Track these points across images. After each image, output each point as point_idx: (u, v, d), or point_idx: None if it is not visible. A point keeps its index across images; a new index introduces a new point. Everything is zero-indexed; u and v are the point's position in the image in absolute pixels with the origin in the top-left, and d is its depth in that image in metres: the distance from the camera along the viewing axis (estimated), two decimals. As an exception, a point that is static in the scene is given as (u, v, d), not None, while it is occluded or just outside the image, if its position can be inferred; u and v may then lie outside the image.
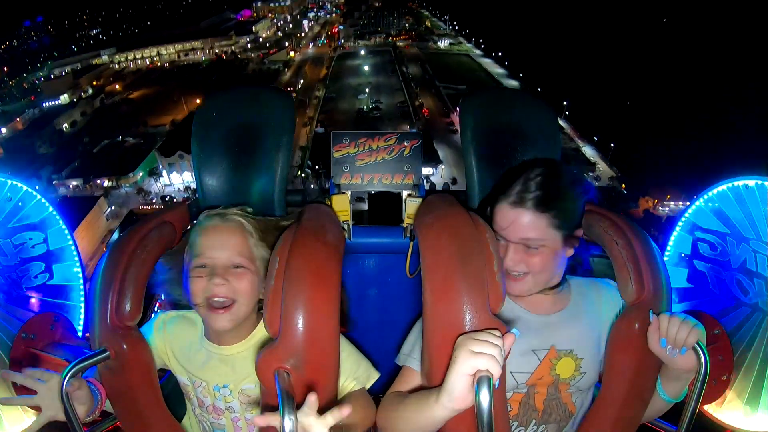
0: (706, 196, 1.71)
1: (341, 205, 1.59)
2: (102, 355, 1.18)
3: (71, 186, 44.22)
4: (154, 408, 1.27)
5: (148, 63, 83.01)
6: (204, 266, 1.24)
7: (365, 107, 59.75)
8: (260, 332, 1.33)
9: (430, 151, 46.98)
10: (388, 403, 1.24)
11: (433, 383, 1.09)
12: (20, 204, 1.64)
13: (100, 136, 52.69)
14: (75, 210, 35.94)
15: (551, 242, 1.23)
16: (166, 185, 46.04)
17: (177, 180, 46.13)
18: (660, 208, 40.23)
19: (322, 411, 1.13)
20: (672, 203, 39.98)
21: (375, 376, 1.37)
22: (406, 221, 1.64)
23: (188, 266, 1.27)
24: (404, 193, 1.67)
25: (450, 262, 1.09)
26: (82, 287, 1.72)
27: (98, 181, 44.28)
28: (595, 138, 48.68)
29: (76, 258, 1.72)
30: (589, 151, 48.81)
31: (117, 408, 1.27)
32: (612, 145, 45.35)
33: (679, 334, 1.11)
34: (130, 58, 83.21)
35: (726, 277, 1.65)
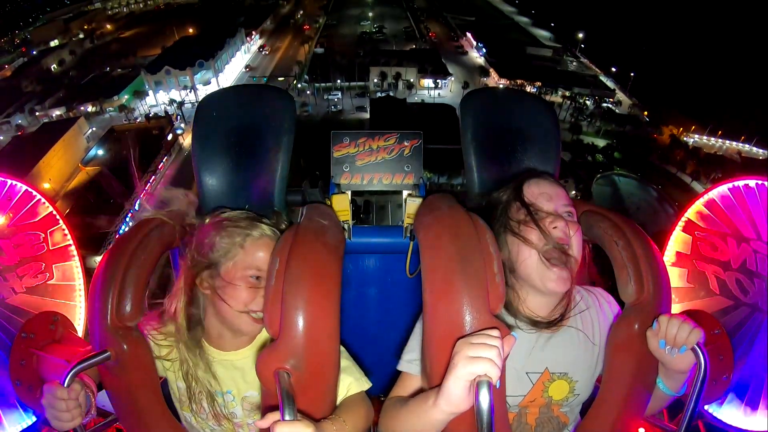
0: (706, 196, 1.71)
1: (341, 205, 1.59)
2: (102, 356, 1.18)
3: (54, 115, 42.30)
4: (155, 408, 1.27)
5: (141, 6, 79.68)
6: (257, 278, 1.26)
7: (368, 30, 59.58)
8: (262, 338, 1.33)
9: (440, 65, 47.69)
10: (389, 408, 1.24)
11: (432, 384, 1.08)
12: (20, 204, 1.64)
13: (89, 72, 50.94)
14: (54, 133, 34.96)
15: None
16: (152, 106, 44.50)
17: (164, 100, 44.61)
18: (685, 138, 40.00)
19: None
20: (696, 136, 40.07)
21: (367, 385, 1.35)
22: (406, 221, 1.64)
23: (232, 270, 1.26)
24: (404, 193, 1.66)
25: (450, 263, 1.09)
26: (82, 287, 1.72)
27: (81, 108, 42.47)
28: (613, 69, 48.15)
29: (76, 258, 1.72)
30: (608, 82, 48.55)
31: (117, 408, 1.27)
32: (632, 74, 45.00)
33: (678, 335, 1.11)
34: (123, 3, 79.65)
35: (726, 277, 1.65)
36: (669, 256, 1.78)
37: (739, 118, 38.30)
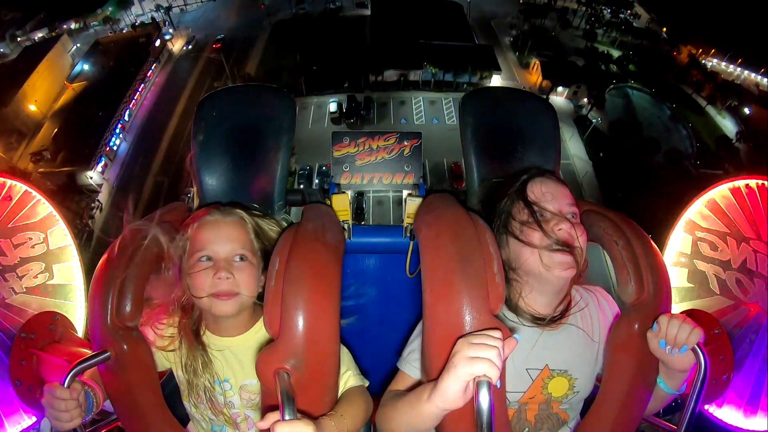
0: (706, 196, 1.71)
1: (341, 204, 1.59)
2: (102, 356, 1.18)
3: (37, 38, 39.36)
4: (155, 408, 1.27)
5: None
6: (207, 258, 1.27)
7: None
8: (261, 326, 1.33)
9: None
10: (386, 400, 1.25)
11: (431, 379, 1.09)
12: (20, 204, 1.64)
13: (71, -8, 46.52)
14: (36, 55, 33.25)
15: None
16: (138, 15, 41.92)
17: (150, 7, 41.87)
18: (703, 61, 37.47)
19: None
20: (715, 60, 37.34)
21: (365, 383, 1.36)
22: (406, 221, 1.64)
23: (188, 260, 1.29)
24: (404, 193, 1.66)
25: (450, 263, 1.09)
26: (82, 287, 1.72)
27: (64, 26, 39.89)
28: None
29: (77, 258, 1.72)
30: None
31: (117, 408, 1.27)
32: (652, -13, 41.44)
33: (678, 335, 1.12)
34: None
35: (726, 277, 1.65)
36: (669, 256, 1.78)
37: (763, 49, 34.23)
